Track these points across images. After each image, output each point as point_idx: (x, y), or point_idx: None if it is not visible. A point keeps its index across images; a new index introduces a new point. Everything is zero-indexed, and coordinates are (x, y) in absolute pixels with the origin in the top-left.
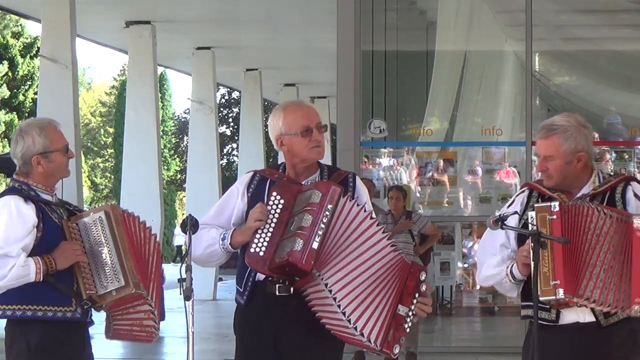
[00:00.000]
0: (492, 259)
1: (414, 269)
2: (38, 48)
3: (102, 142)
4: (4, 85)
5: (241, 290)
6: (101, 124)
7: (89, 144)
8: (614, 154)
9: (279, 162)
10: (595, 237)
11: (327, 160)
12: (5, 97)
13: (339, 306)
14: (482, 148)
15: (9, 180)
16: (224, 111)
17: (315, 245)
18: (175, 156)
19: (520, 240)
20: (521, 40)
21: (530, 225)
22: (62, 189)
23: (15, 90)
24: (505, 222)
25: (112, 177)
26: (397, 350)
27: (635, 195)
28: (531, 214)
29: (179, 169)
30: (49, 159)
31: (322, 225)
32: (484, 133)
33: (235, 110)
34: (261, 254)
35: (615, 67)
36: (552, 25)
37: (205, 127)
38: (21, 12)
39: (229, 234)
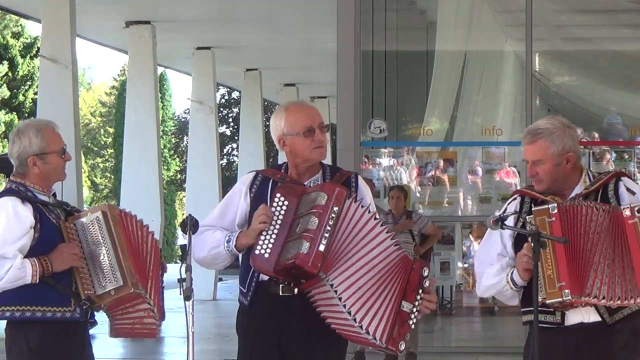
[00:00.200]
0: (490, 269)
1: (416, 265)
2: (38, 48)
3: (102, 142)
4: (4, 85)
5: (244, 290)
6: (101, 124)
7: (89, 144)
8: (614, 154)
9: (279, 162)
10: (596, 235)
11: (327, 160)
12: (5, 97)
13: (344, 306)
14: (482, 148)
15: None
16: (224, 111)
17: (322, 247)
18: (175, 156)
19: (517, 246)
20: (521, 40)
21: (529, 225)
22: (62, 189)
23: (15, 91)
24: (505, 222)
25: (112, 177)
26: (402, 347)
27: (628, 189)
28: (529, 217)
29: (179, 169)
30: (45, 160)
31: (329, 228)
32: (484, 133)
33: (235, 110)
34: (266, 255)
35: (615, 67)
36: (552, 25)
37: (205, 127)
38: (21, 12)
39: (234, 236)
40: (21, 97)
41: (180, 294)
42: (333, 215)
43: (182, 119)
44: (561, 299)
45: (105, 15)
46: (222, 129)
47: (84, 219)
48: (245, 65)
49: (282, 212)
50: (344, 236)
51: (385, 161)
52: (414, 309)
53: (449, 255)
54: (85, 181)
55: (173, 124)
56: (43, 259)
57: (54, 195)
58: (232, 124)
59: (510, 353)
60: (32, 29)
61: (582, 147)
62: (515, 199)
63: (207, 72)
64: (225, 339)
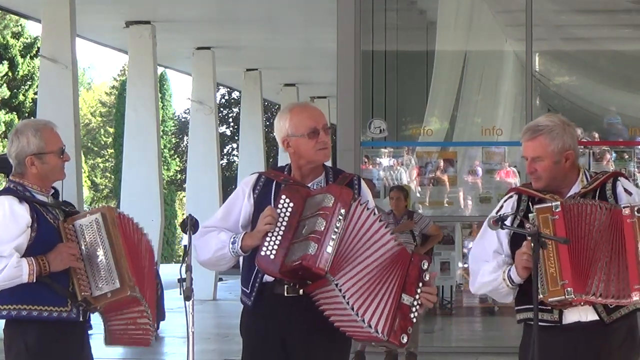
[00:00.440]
0: (486, 266)
1: (415, 258)
2: (38, 48)
3: (102, 142)
4: (4, 85)
5: (247, 291)
6: (101, 124)
7: (89, 144)
8: (614, 154)
9: (279, 162)
10: (598, 233)
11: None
12: (5, 97)
13: (347, 303)
14: (482, 148)
15: None
16: (224, 111)
17: (329, 249)
18: (175, 156)
19: (514, 244)
20: (521, 40)
21: (527, 224)
22: (62, 189)
23: (15, 90)
24: (505, 222)
25: (112, 177)
26: (404, 340)
27: (625, 190)
28: (531, 215)
29: (179, 169)
30: (43, 160)
31: (336, 229)
32: (484, 133)
33: (235, 110)
34: (272, 257)
35: (615, 67)
36: (552, 25)
37: (205, 127)
38: (21, 12)
39: (239, 237)
40: (21, 97)
41: (180, 294)
42: (340, 217)
43: (182, 119)
44: (564, 297)
45: (105, 15)
46: (222, 129)
47: (82, 221)
48: (245, 65)
49: (288, 213)
50: (350, 238)
51: (385, 161)
52: (415, 302)
53: (449, 255)
54: (85, 181)
55: (173, 124)
56: (40, 259)
57: (56, 195)
58: (232, 124)
59: (510, 353)
60: (32, 29)
61: (582, 147)
62: (511, 197)
63: (207, 72)
64: (225, 339)
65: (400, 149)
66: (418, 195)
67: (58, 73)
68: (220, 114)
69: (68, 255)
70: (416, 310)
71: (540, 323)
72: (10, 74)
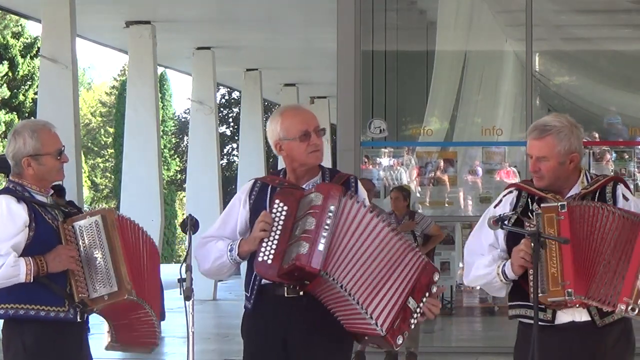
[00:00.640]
0: (482, 259)
1: (429, 267)
2: (38, 48)
3: (102, 142)
4: (4, 85)
5: (248, 295)
6: (101, 124)
7: (89, 144)
8: (614, 154)
9: (279, 162)
10: (600, 235)
11: (327, 160)
12: (5, 97)
13: (349, 295)
14: (482, 148)
15: None
16: (224, 111)
17: (321, 247)
18: (175, 156)
19: (510, 240)
20: (521, 40)
21: (526, 222)
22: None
23: (15, 90)
24: (505, 223)
25: (112, 177)
26: (400, 342)
27: (624, 196)
28: (534, 213)
29: (179, 169)
30: (40, 161)
31: (326, 227)
32: (484, 133)
33: (235, 110)
34: (269, 261)
35: (615, 67)
36: (552, 25)
37: (205, 127)
38: (21, 12)
39: (236, 244)
40: (21, 97)
41: (180, 294)
42: (330, 213)
43: (182, 119)
44: (564, 298)
45: (105, 15)
46: (222, 129)
47: (82, 222)
48: (245, 65)
49: (282, 217)
50: (342, 232)
51: (385, 161)
52: (418, 309)
53: (449, 255)
54: (85, 181)
55: (173, 124)
56: (38, 259)
57: (63, 193)
58: (232, 124)
59: (510, 353)
60: (32, 29)
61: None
62: (511, 192)
63: (207, 72)
64: (225, 339)
65: (400, 149)
66: (418, 195)
67: (58, 73)
68: (220, 114)
69: (67, 257)
70: (417, 317)
71: (533, 322)
72: (10, 74)
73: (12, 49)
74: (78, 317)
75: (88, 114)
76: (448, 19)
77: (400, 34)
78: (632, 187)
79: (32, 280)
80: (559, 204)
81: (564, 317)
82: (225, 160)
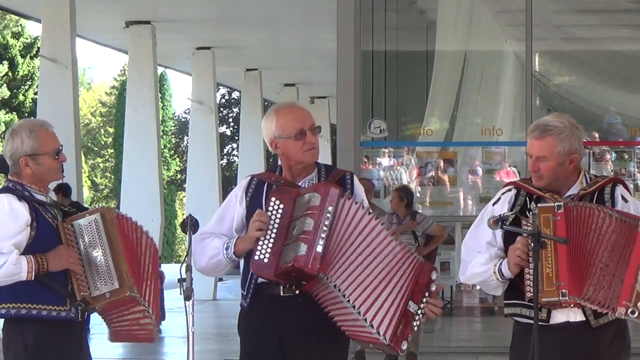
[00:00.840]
0: (479, 257)
1: (426, 267)
2: (38, 48)
3: (102, 142)
4: (4, 85)
5: (244, 293)
6: (101, 124)
7: (89, 144)
8: (614, 154)
9: (279, 163)
10: (596, 237)
11: (327, 160)
12: (5, 97)
13: (348, 301)
14: (482, 148)
15: None
16: (224, 111)
17: (319, 248)
18: (175, 156)
19: (507, 238)
20: (521, 40)
21: (524, 221)
22: None
23: (15, 90)
24: (505, 223)
25: (112, 177)
26: (404, 347)
27: (623, 197)
28: (532, 213)
29: (179, 169)
30: (37, 161)
31: (325, 228)
32: (484, 133)
33: (235, 110)
34: (265, 260)
35: (615, 67)
36: (552, 25)
37: (205, 127)
38: (21, 12)
39: (232, 242)
40: (21, 97)
41: (180, 294)
42: (328, 215)
43: (182, 119)
44: (557, 299)
45: (105, 15)
46: (222, 129)
47: (81, 221)
48: (245, 65)
49: (278, 215)
50: (340, 234)
51: (385, 161)
52: (420, 311)
53: (449, 255)
54: (85, 181)
55: (173, 124)
56: (40, 257)
57: (69, 192)
58: (232, 124)
59: None
60: (32, 29)
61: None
62: (510, 189)
63: (207, 72)
64: (225, 339)
65: (400, 149)
66: (418, 195)
67: (58, 73)
68: (220, 114)
69: (68, 257)
70: (419, 319)
71: (529, 321)
72: (10, 74)
73: (12, 49)
74: (79, 316)
75: (88, 114)
76: (448, 19)
77: (400, 34)
78: (631, 187)
79: (32, 279)
80: (556, 204)
81: (558, 316)
82: (225, 160)
